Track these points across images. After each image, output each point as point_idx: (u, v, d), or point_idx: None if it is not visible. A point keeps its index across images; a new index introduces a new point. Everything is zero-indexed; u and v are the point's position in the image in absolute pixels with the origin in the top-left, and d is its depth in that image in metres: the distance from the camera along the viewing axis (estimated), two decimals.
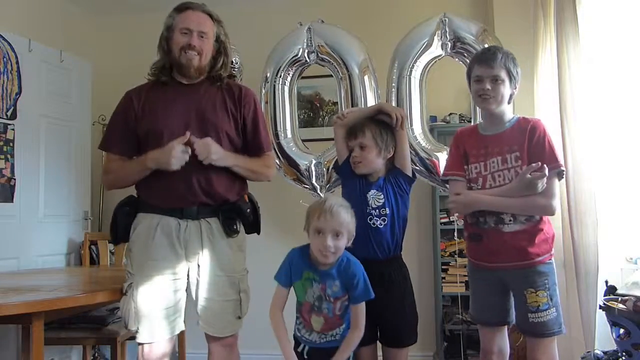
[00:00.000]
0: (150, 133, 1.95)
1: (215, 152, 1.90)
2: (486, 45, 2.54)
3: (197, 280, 1.96)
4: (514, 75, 2.00)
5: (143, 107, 1.99)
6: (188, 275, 1.97)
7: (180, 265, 1.94)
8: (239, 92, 2.06)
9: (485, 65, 2.00)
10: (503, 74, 1.97)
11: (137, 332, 1.92)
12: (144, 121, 1.97)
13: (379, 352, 2.10)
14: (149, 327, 1.91)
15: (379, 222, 2.03)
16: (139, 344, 1.94)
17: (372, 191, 2.06)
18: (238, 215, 2.00)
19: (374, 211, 2.03)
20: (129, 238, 1.99)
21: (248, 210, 2.02)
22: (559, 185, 1.98)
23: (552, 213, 1.98)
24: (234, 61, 3.08)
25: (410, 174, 2.13)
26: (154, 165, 1.89)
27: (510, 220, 1.94)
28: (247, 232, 2.08)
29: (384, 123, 2.13)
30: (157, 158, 1.89)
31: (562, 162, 1.96)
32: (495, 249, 1.96)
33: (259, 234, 2.11)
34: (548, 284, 1.93)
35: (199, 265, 1.96)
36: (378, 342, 2.09)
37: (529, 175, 1.88)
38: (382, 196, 2.05)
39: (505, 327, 2.07)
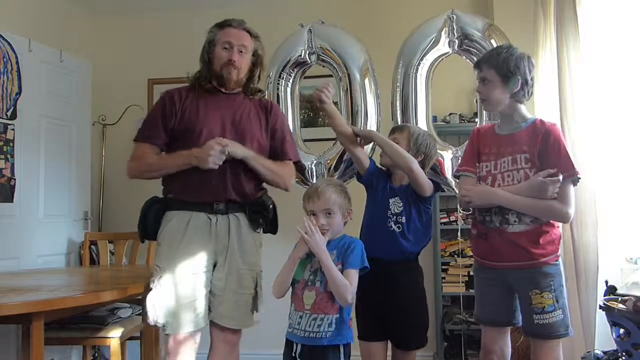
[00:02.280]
0: (189, 131, 2.07)
1: (238, 147, 2.06)
2: (492, 42, 2.54)
3: (221, 272, 2.04)
4: (509, 74, 1.95)
5: (184, 105, 2.12)
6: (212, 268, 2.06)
7: (210, 259, 2.04)
8: (270, 106, 2.25)
9: (476, 69, 2.04)
10: (490, 75, 1.97)
11: (164, 325, 1.98)
12: (184, 119, 2.10)
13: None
14: (174, 320, 1.97)
15: (395, 227, 2.09)
16: (167, 334, 2.00)
17: (396, 198, 2.12)
18: (264, 210, 2.12)
19: (392, 216, 2.10)
20: (157, 236, 2.09)
21: (271, 206, 2.15)
22: (574, 192, 1.93)
23: (567, 220, 1.96)
24: None
25: (427, 194, 2.12)
26: (195, 162, 2.00)
27: (515, 221, 1.92)
28: (265, 231, 2.19)
29: (421, 135, 2.24)
30: (197, 155, 2.00)
31: (578, 169, 1.91)
32: (499, 248, 1.95)
33: (275, 233, 2.19)
34: (554, 286, 1.90)
35: (225, 258, 2.04)
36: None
37: (541, 178, 1.86)
38: (402, 204, 2.11)
39: (509, 328, 2.05)
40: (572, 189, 1.91)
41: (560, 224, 2.02)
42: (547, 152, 1.91)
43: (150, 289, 2.01)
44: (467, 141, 2.19)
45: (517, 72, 1.95)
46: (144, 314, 2.49)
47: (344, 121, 2.27)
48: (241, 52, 2.13)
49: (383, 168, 2.22)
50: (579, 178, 1.92)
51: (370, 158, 2.27)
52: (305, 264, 1.89)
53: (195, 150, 2.01)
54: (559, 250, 1.96)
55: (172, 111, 2.11)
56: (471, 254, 2.40)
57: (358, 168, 2.22)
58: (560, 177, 1.85)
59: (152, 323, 2.00)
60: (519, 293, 1.96)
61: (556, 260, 1.94)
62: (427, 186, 2.09)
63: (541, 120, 2.01)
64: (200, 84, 2.16)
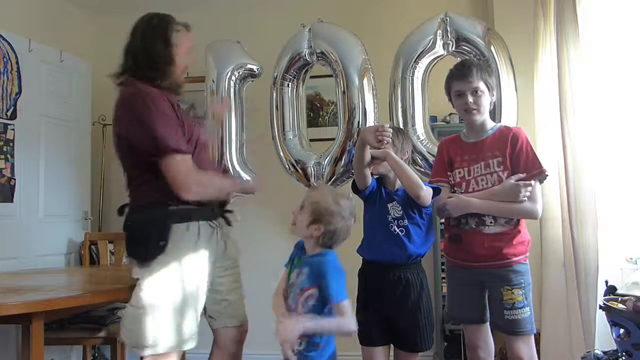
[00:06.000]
0: (193, 142, 1.94)
1: None
2: (492, 48, 2.56)
3: (223, 277, 2.04)
4: (490, 85, 2.09)
5: (177, 112, 1.93)
6: None
7: (213, 268, 2.03)
8: None
9: (464, 80, 2.07)
10: (482, 86, 2.06)
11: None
12: (187, 128, 1.93)
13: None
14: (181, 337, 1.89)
15: (399, 230, 2.08)
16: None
17: (393, 202, 2.12)
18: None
19: (394, 220, 2.09)
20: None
21: None
22: (541, 189, 2.05)
23: (536, 217, 2.08)
24: (256, 68, 3.09)
25: (429, 203, 2.10)
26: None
27: (491, 222, 2.03)
28: None
29: (401, 131, 2.27)
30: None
31: (544, 167, 2.03)
32: (474, 249, 2.04)
33: None
34: (524, 283, 2.01)
35: (225, 263, 2.06)
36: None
37: (513, 181, 1.98)
38: (401, 209, 2.10)
39: (488, 324, 2.12)
40: (539, 187, 2.04)
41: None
42: (516, 154, 2.03)
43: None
44: (437, 152, 2.28)
45: (494, 83, 2.10)
46: None
47: None
48: None
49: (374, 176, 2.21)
50: (547, 176, 2.05)
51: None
52: (290, 272, 1.83)
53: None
54: (528, 252, 2.06)
55: (179, 115, 1.92)
56: None
57: (359, 184, 2.15)
58: (533, 182, 1.98)
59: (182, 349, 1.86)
60: (491, 290, 2.05)
61: (525, 261, 2.05)
62: (428, 197, 2.08)
63: (506, 126, 2.16)
64: (170, 88, 1.96)
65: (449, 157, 2.17)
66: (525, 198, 1.97)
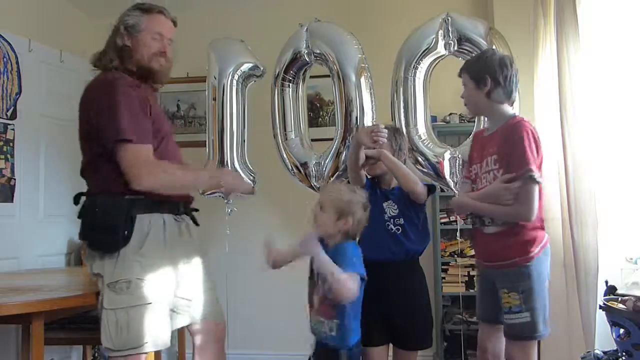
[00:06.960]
0: (160, 135, 1.88)
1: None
2: (494, 47, 2.56)
3: (195, 275, 1.96)
4: (478, 76, 1.98)
5: (144, 102, 1.85)
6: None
7: (184, 265, 1.97)
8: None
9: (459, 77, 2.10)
10: (466, 79, 2.04)
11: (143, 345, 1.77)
12: (154, 120, 1.86)
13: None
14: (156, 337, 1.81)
15: (395, 229, 2.08)
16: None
17: (389, 201, 2.11)
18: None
19: (390, 219, 2.09)
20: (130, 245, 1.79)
21: None
22: (536, 190, 1.86)
23: (527, 219, 1.89)
24: (259, 67, 3.08)
25: (424, 201, 2.11)
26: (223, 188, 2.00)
27: (489, 222, 1.98)
28: None
29: (398, 130, 2.26)
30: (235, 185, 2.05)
31: (533, 166, 1.85)
32: (477, 248, 2.07)
33: None
34: (523, 287, 1.88)
35: (197, 261, 1.98)
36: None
37: (499, 184, 1.90)
38: (396, 207, 2.10)
39: (502, 327, 2.05)
40: (530, 188, 1.85)
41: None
42: (507, 150, 1.91)
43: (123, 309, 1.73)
44: None
45: (486, 73, 1.97)
46: None
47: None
48: (169, 45, 1.98)
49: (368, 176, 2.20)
50: (532, 175, 1.84)
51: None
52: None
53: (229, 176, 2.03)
54: (534, 252, 1.91)
55: (146, 106, 1.84)
56: (470, 253, 2.43)
57: (355, 184, 2.13)
58: (516, 184, 1.84)
59: (151, 350, 1.77)
60: (498, 291, 1.99)
61: (528, 262, 1.90)
62: (424, 194, 2.08)
63: (513, 118, 1.99)
64: (142, 76, 1.91)
65: (472, 151, 2.15)
66: (510, 201, 1.86)
